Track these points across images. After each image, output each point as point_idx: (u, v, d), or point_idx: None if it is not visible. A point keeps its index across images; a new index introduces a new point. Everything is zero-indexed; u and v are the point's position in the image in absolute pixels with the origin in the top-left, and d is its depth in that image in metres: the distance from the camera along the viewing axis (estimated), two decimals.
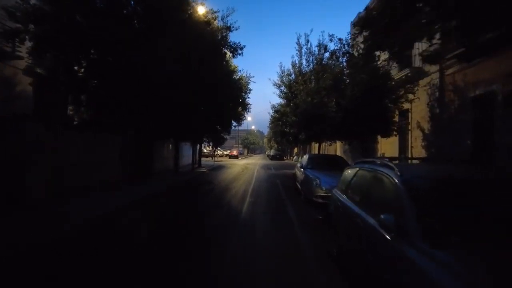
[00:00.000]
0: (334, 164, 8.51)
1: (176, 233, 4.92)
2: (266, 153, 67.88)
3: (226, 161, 34.27)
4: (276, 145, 45.90)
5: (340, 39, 8.96)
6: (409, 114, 11.09)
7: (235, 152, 43.44)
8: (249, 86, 16.99)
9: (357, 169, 3.51)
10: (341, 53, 9.42)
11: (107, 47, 7.62)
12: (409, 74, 10.50)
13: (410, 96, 9.66)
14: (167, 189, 9.82)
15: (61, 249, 3.98)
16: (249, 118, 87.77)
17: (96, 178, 8.61)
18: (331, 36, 9.38)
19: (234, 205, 7.30)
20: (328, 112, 9.80)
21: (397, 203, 2.19)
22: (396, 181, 2.35)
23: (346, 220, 3.21)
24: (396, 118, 10.51)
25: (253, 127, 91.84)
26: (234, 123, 19.79)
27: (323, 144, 21.42)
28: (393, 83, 9.47)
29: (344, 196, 3.48)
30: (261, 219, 5.87)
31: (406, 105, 10.20)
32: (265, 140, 73.23)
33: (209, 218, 5.98)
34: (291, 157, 36.69)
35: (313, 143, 24.48)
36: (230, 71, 14.47)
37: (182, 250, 4.05)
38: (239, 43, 11.52)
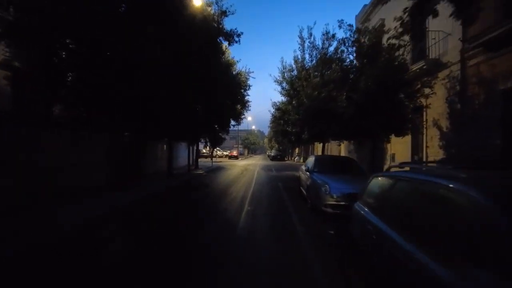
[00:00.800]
0: (344, 167, 7.52)
1: (148, 265, 3.46)
2: (267, 153, 66.92)
3: (225, 162, 33.31)
4: (277, 145, 44.93)
5: (349, 25, 7.98)
6: (425, 110, 10.09)
7: (235, 153, 42.48)
8: (248, 82, 16.05)
9: (394, 179, 2.52)
10: (350, 43, 8.44)
11: (85, 33, 6.63)
12: (424, 67, 9.51)
13: (427, 90, 8.68)
14: (153, 196, 8.81)
15: None
16: (249, 118, 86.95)
17: (73, 183, 7.62)
18: (340, 22, 8.39)
19: (230, 216, 6.29)
20: (337, 107, 8.81)
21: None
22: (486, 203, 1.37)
23: (386, 258, 2.19)
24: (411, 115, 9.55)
25: (253, 127, 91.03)
26: (233, 122, 18.83)
27: (327, 144, 20.48)
28: (410, 74, 8.47)
29: (378, 219, 2.47)
30: (261, 236, 4.86)
31: (421, 101, 9.24)
32: (266, 140, 72.27)
33: (197, 237, 4.71)
34: (293, 158, 35.68)
35: (316, 143, 23.65)
36: (227, 65, 13.49)
37: None
38: (235, 29, 10.48)
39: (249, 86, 16.30)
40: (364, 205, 2.98)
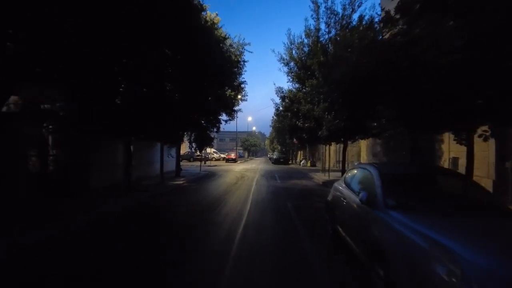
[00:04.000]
0: (455, 194, 3.32)
1: None
2: (268, 156, 62.69)
3: (221, 166, 29.16)
4: (279, 147, 40.67)
5: None
6: None
7: (232, 155, 38.27)
8: (243, 57, 11.94)
9: None
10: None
11: None
12: None
13: None
14: (55, 242, 4.64)
15: None
16: (249, 118, 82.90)
17: None
18: None
19: None
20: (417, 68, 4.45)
21: None
22: None
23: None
24: None
25: (254, 128, 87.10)
26: (224, 117, 14.73)
27: (333, 145, 16.01)
28: None
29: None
30: None
31: None
32: (267, 141, 68.04)
33: None
34: (298, 162, 31.37)
35: (326, 145, 18.78)
36: (207, 27, 9.31)
37: None
38: None
39: (244, 62, 12.21)
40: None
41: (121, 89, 7.89)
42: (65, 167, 8.15)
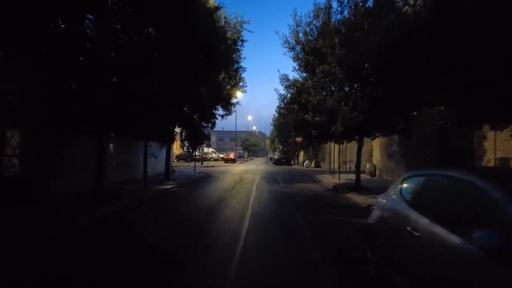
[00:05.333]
0: None
1: None
2: (269, 156, 60.99)
3: (219, 166, 27.44)
4: (280, 147, 38.91)
5: None
6: None
7: (232, 155, 36.53)
8: (241, 36, 10.14)
9: None
10: None
11: None
12: None
13: None
14: None
15: None
16: (249, 117, 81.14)
17: None
18: None
19: None
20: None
21: None
22: None
23: None
24: None
25: (254, 127, 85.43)
26: (220, 112, 12.96)
27: (342, 143, 14.22)
28: None
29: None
30: None
31: None
32: (267, 141, 66.29)
33: None
34: (302, 163, 29.63)
35: (328, 144, 16.81)
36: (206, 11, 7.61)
37: None
38: None
39: (243, 42, 10.41)
40: None
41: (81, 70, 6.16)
42: (23, 171, 6.44)
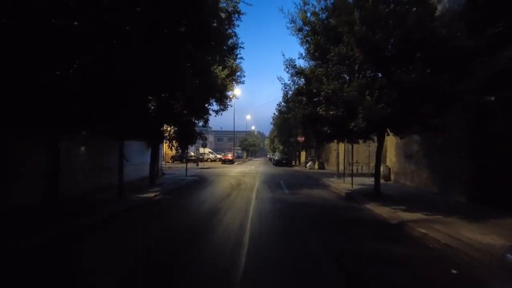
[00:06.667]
0: None
1: None
2: (268, 156, 59.32)
3: (215, 167, 25.74)
4: (280, 147, 37.18)
5: None
6: None
7: (229, 156, 34.78)
8: (238, 8, 8.35)
9: None
10: None
11: None
12: None
13: None
14: None
15: None
16: (248, 116, 79.71)
17: None
18: None
19: None
20: None
21: None
22: None
23: None
24: None
25: (253, 127, 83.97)
26: (214, 106, 11.21)
27: (343, 144, 12.41)
28: None
29: None
30: None
31: None
32: (267, 141, 64.59)
33: None
34: (305, 164, 27.93)
35: (331, 145, 15.01)
36: None
37: None
38: None
39: (240, 15, 8.58)
40: None
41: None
42: None
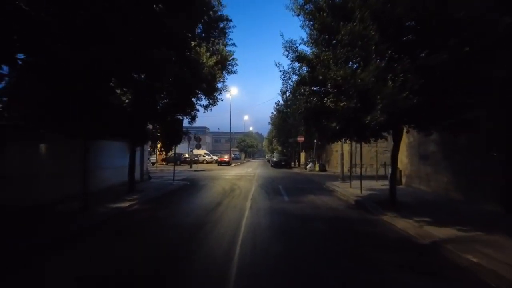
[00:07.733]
0: None
1: None
2: (266, 157, 57.96)
3: (210, 170, 24.37)
4: (279, 148, 35.81)
5: None
6: None
7: (226, 158, 33.37)
8: None
9: None
10: None
11: None
12: None
13: None
14: None
15: None
16: (245, 117, 78.32)
17: None
18: None
19: None
20: None
21: None
22: None
23: None
24: None
25: (251, 128, 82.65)
26: (202, 101, 9.81)
27: (347, 143, 10.99)
28: None
29: None
30: None
31: None
32: (265, 142, 63.21)
33: None
34: (305, 165, 26.53)
35: (332, 145, 13.78)
36: None
37: None
38: None
39: None
40: None
41: None
42: None
